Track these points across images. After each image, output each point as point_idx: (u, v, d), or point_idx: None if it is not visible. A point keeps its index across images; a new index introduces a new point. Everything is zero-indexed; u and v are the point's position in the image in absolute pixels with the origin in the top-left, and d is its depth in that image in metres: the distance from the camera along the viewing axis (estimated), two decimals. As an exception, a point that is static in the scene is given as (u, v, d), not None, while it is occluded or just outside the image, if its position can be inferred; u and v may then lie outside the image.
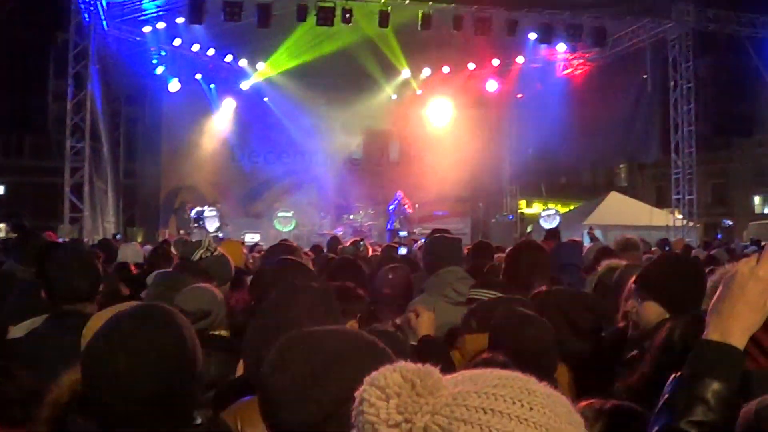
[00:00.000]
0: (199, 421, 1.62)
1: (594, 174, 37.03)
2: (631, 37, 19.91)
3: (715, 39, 22.31)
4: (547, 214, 19.23)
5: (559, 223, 18.07)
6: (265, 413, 1.35)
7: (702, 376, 1.23)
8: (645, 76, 20.02)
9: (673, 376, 1.29)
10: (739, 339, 1.26)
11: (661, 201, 25.97)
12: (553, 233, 9.79)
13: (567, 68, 21.41)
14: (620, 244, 6.03)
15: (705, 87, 21.83)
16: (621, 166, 37.89)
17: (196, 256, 4.35)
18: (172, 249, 6.92)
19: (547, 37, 17.50)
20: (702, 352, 1.26)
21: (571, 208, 25.16)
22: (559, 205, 24.38)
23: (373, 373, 0.80)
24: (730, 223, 26.81)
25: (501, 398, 0.75)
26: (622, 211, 20.77)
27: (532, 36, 17.86)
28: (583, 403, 1.66)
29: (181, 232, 16.65)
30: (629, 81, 20.13)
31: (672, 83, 20.33)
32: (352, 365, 1.30)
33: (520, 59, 20.35)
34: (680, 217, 20.27)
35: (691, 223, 20.03)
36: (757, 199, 38.69)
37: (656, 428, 1.25)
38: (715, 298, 1.30)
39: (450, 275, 4.11)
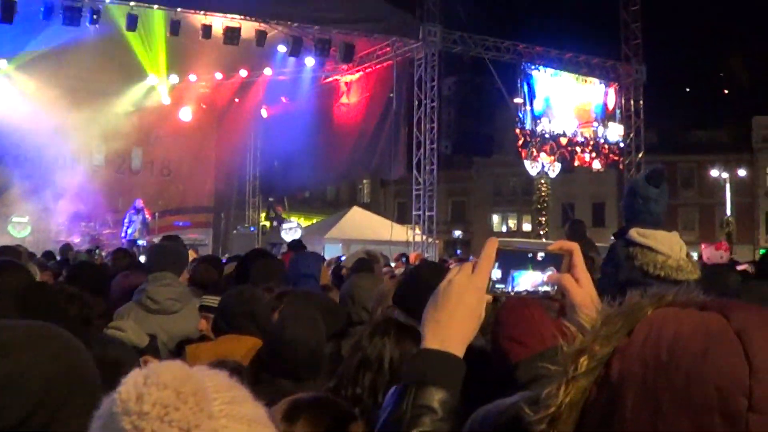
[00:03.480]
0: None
1: (338, 189, 42.87)
2: (380, 55, 24.53)
3: (460, 60, 27.61)
4: (289, 227, 23.02)
5: (301, 235, 21.97)
6: None
7: (427, 385, 1.38)
8: (391, 94, 24.79)
9: (393, 387, 1.44)
10: (458, 347, 1.44)
11: (402, 217, 31.49)
12: (295, 244, 12.18)
13: (314, 83, 25.31)
14: (359, 257, 7.50)
15: (448, 107, 26.98)
16: (365, 181, 44.02)
17: None
18: None
19: (296, 50, 21.16)
20: (424, 361, 1.42)
21: (314, 221, 29.59)
22: (302, 219, 28.63)
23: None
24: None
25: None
26: (364, 226, 25.25)
27: (282, 48, 21.39)
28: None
29: None
30: (376, 98, 24.71)
31: (417, 102, 25.16)
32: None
33: (268, 71, 23.91)
34: (419, 232, 25.37)
35: (430, 239, 25.11)
36: (495, 218, 47.41)
37: None
38: (430, 307, 1.47)
39: (153, 282, 5.03)
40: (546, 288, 1.54)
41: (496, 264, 1.51)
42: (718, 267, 7.47)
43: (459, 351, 1.44)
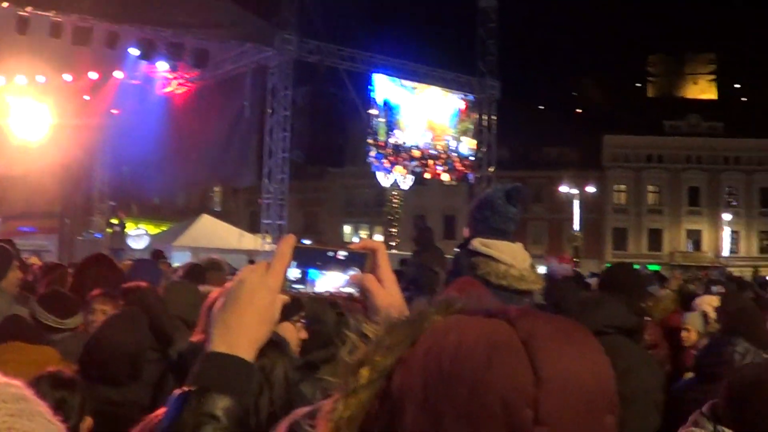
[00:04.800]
0: None
1: (188, 196, 43.83)
2: (233, 62, 25.92)
3: (315, 70, 29.00)
4: (136, 234, 24.05)
5: (149, 243, 23.04)
6: None
7: (210, 391, 1.35)
8: (244, 102, 26.21)
9: (176, 392, 1.39)
10: (247, 351, 1.41)
11: (254, 226, 32.90)
12: (155, 253, 13.06)
13: (166, 87, 26.50)
14: (205, 264, 7.60)
15: (302, 116, 28.44)
16: (216, 189, 45.11)
17: None
18: None
19: (149, 53, 22.25)
20: (209, 366, 1.39)
21: (163, 229, 30.55)
22: (151, 226, 29.60)
23: None
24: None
25: None
26: (213, 234, 26.37)
27: (134, 51, 22.38)
28: None
29: None
30: (229, 105, 26.04)
31: (270, 110, 26.71)
32: None
33: (119, 74, 24.78)
34: (270, 241, 26.79)
35: None
36: (346, 228, 49.77)
37: None
38: (219, 308, 1.44)
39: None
40: (348, 289, 1.54)
41: (294, 263, 1.51)
42: (560, 279, 8.25)
43: (248, 355, 1.43)
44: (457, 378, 0.89)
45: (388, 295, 1.51)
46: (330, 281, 1.55)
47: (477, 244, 3.25)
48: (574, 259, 40.44)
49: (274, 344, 2.40)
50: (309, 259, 1.54)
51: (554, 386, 0.87)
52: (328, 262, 1.54)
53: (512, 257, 3.22)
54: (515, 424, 0.85)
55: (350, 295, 1.55)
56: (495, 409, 0.86)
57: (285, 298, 1.50)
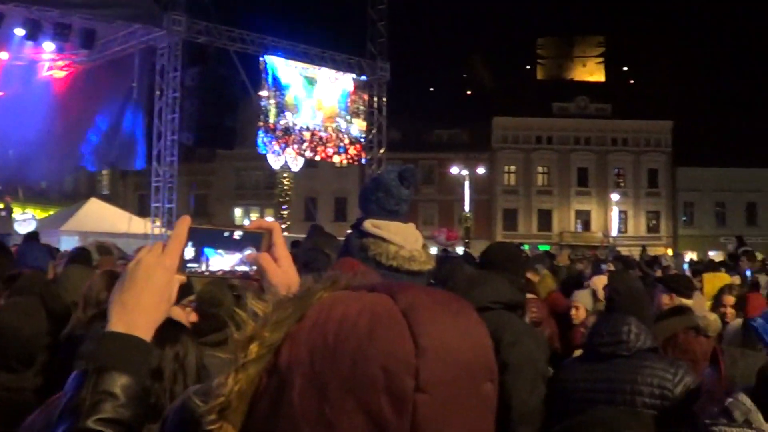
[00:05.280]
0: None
1: (76, 180, 43.51)
2: (121, 42, 26.07)
3: (204, 51, 29.21)
4: (23, 219, 24.15)
5: (36, 227, 23.22)
6: None
7: (108, 370, 1.41)
8: (133, 83, 26.51)
9: (75, 372, 1.45)
10: (144, 331, 1.48)
11: (143, 209, 33.18)
12: (30, 236, 12.94)
13: (52, 69, 26.55)
14: (94, 248, 7.78)
15: (191, 98, 28.50)
16: (104, 173, 44.92)
17: None
18: None
19: (35, 34, 22.36)
20: (107, 345, 1.45)
21: (51, 213, 30.55)
22: (38, 210, 29.54)
23: None
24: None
25: None
26: (101, 218, 26.33)
27: (19, 32, 22.45)
28: None
29: None
30: (117, 86, 26.26)
31: (158, 92, 26.80)
32: None
33: (3, 55, 24.70)
34: (159, 225, 26.78)
35: (169, 232, 26.97)
36: (237, 211, 50.45)
37: (61, 430, 1.40)
38: (117, 288, 1.51)
39: None
40: (244, 268, 1.60)
41: (190, 243, 1.55)
42: (450, 258, 8.76)
43: (146, 334, 1.48)
44: (341, 350, 0.93)
45: (284, 274, 1.59)
46: (226, 261, 1.60)
47: (368, 225, 3.31)
48: (465, 240, 41.89)
49: (185, 330, 2.54)
50: (205, 240, 1.59)
51: (433, 355, 0.91)
52: (224, 242, 1.60)
53: (403, 238, 3.29)
54: (397, 392, 0.90)
55: (245, 273, 1.62)
56: (377, 378, 0.91)
57: (182, 278, 1.57)
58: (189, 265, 1.57)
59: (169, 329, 2.30)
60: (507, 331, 4.00)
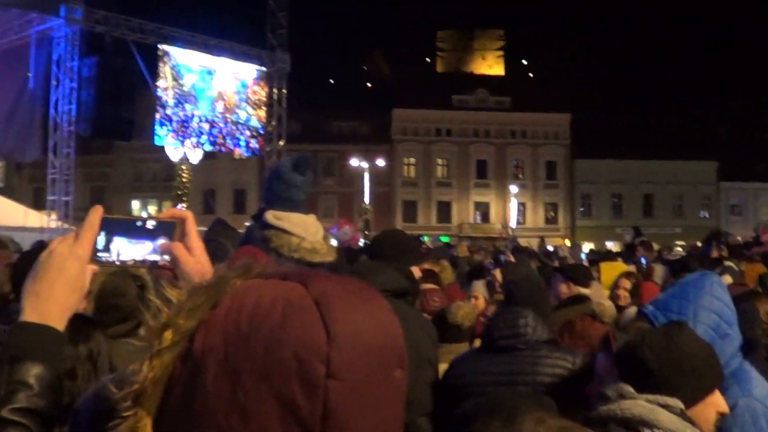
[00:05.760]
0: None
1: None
2: (17, 31, 26.14)
3: (102, 40, 29.57)
4: None
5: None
6: None
7: (22, 359, 1.45)
8: (29, 73, 26.48)
9: None
10: (58, 320, 1.50)
11: (38, 203, 32.95)
12: None
13: (-55, 57, 26.30)
14: None
15: (88, 88, 28.82)
16: (-1, 164, 44.38)
17: None
18: None
19: None
20: (21, 335, 1.48)
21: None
22: None
23: None
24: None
25: None
26: None
27: None
28: None
29: None
30: (12, 76, 26.22)
31: (55, 82, 26.99)
32: None
33: None
34: (55, 218, 26.87)
35: (66, 225, 26.17)
36: (135, 203, 50.59)
37: None
38: (30, 278, 1.53)
39: None
40: (156, 257, 1.64)
41: (103, 233, 1.56)
42: (342, 247, 9.20)
43: (59, 324, 1.50)
44: (255, 337, 0.95)
45: (197, 263, 1.63)
46: (139, 250, 1.62)
47: (270, 216, 3.34)
48: (365, 232, 42.74)
49: (97, 327, 2.52)
50: (118, 229, 1.59)
51: (344, 342, 0.95)
52: (136, 232, 1.62)
53: (304, 230, 3.33)
54: (309, 379, 0.93)
55: (156, 262, 1.65)
56: (289, 365, 0.93)
57: (94, 267, 1.58)
58: (100, 254, 1.59)
59: (81, 326, 2.45)
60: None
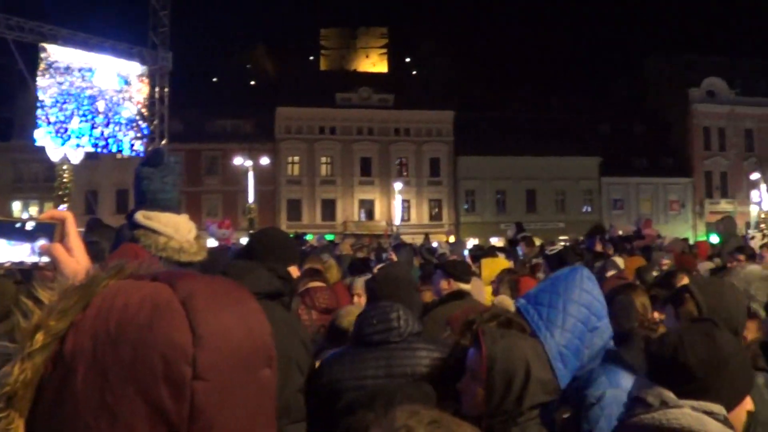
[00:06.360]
0: None
1: None
2: None
3: None
4: None
5: None
6: None
7: None
8: None
9: None
10: None
11: None
12: None
13: None
14: None
15: None
16: None
17: None
18: None
19: None
20: None
21: None
22: None
23: None
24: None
25: None
26: None
27: None
28: None
29: None
30: None
31: None
32: None
33: None
34: None
35: None
36: (16, 205, 50.62)
37: None
38: None
39: None
40: (35, 258, 1.63)
41: None
42: (220, 248, 9.17)
43: None
44: (123, 338, 0.96)
45: (77, 263, 1.66)
46: (18, 252, 1.64)
47: (139, 216, 3.39)
48: (250, 231, 43.71)
49: None
50: None
51: (210, 343, 0.97)
52: (15, 234, 1.64)
53: (174, 229, 3.37)
54: (175, 380, 0.95)
55: (35, 264, 1.66)
56: (156, 367, 0.95)
57: None
58: None
59: None
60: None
